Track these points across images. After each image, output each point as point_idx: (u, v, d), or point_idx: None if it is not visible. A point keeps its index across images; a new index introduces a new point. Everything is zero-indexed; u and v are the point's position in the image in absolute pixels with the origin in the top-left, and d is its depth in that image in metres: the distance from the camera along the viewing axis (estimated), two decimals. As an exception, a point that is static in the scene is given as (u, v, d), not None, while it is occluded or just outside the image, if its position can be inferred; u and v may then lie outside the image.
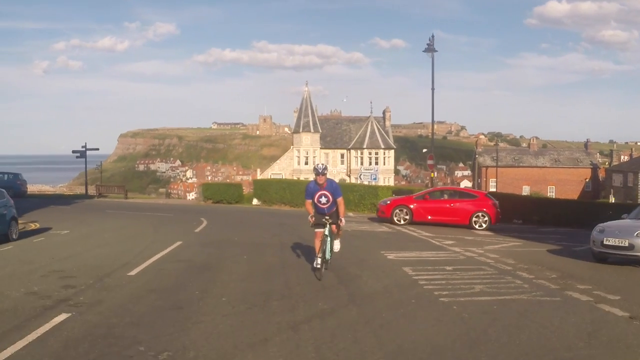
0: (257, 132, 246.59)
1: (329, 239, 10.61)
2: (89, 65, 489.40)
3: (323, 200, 10.63)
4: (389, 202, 24.27)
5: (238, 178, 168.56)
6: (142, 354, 5.95)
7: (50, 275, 10.49)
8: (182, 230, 19.26)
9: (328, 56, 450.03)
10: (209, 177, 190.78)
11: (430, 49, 27.91)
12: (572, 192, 63.70)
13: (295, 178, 54.81)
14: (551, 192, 65.12)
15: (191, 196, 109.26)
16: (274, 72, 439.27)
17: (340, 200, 10.76)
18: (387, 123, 69.56)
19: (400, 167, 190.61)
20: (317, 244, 10.60)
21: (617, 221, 14.32)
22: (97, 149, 47.80)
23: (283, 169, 67.19)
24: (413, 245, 16.40)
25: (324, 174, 10.62)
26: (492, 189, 61.69)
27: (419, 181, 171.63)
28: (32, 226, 21.17)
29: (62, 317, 7.42)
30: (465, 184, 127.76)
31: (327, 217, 10.59)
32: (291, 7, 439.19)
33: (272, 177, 61.13)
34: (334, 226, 10.73)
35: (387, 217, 23.53)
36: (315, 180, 10.75)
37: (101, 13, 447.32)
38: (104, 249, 14.58)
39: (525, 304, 8.66)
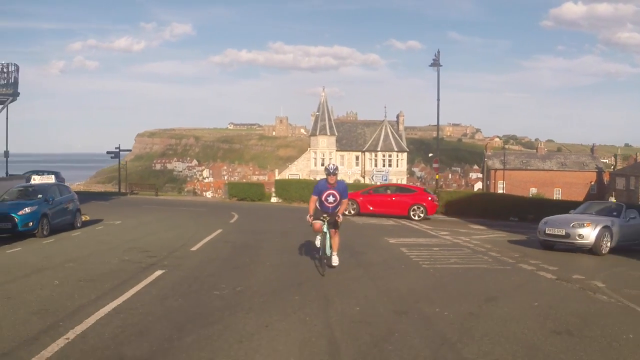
0: (274, 133, 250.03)
1: (327, 235, 11.18)
2: (105, 66, 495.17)
3: (331, 199, 11.20)
4: None
5: (254, 178, 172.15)
6: (224, 289, 9.43)
7: (131, 251, 13.98)
8: (219, 221, 22.79)
9: (344, 57, 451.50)
10: (225, 177, 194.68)
11: (435, 63, 31.21)
12: (578, 195, 66.55)
13: (312, 178, 58.28)
14: (557, 195, 68.04)
15: (208, 195, 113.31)
16: (290, 73, 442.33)
17: (345, 201, 11.40)
18: (401, 127, 72.76)
19: (415, 169, 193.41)
20: (317, 228, 11.23)
21: (560, 215, 17.43)
22: (130, 150, 51.46)
23: (300, 169, 70.71)
24: (413, 234, 19.88)
25: (335, 174, 11.13)
26: (501, 191, 64.86)
27: (433, 182, 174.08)
28: (85, 217, 24.67)
29: (159, 272, 10.91)
30: (479, 185, 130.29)
31: (324, 216, 11.12)
32: (307, 8, 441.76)
33: (289, 177, 64.57)
34: (332, 230, 11.33)
35: None
36: (326, 179, 11.24)
37: (117, 13, 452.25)
38: (160, 234, 18.13)
39: (483, 270, 12.09)
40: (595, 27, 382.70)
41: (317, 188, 11.36)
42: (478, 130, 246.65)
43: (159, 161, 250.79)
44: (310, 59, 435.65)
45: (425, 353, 6.31)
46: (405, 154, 70.39)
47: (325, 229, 11.12)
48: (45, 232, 17.64)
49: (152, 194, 49.20)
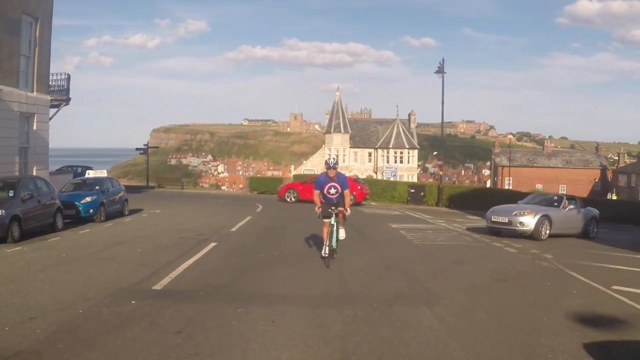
0: (288, 129, 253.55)
1: (335, 227, 11.77)
2: (120, 62, 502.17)
3: (332, 191, 11.75)
4: (283, 186, 35.15)
5: (269, 173, 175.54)
6: (265, 253, 12.95)
7: (183, 231, 17.49)
8: (247, 210, 26.29)
9: (358, 54, 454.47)
10: (240, 172, 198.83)
11: (440, 71, 34.49)
12: (583, 191, 69.39)
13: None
14: (562, 191, 71.00)
15: (223, 189, 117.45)
16: (304, 69, 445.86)
17: (347, 192, 11.89)
18: (412, 125, 76.11)
19: (428, 165, 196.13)
20: (325, 233, 11.86)
21: (505, 205, 20.06)
22: (157, 147, 55.39)
23: (315, 165, 74.21)
24: (413, 221, 23.40)
25: (335, 168, 11.70)
26: (508, 187, 67.98)
27: (447, 179, 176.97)
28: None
29: (213, 244, 14.45)
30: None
31: (333, 208, 11.72)
32: (321, 4, 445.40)
33: (304, 172, 68.09)
34: (340, 215, 11.86)
35: (281, 197, 34.03)
36: (326, 173, 11.88)
37: (132, 10, 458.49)
38: (200, 220, 21.65)
39: (462, 246, 15.59)
40: (610, 24, 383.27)
41: (319, 182, 12.01)
42: (492, 127, 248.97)
43: (174, 156, 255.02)
44: (324, 55, 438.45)
45: (402, 285, 9.84)
46: (416, 150, 73.67)
47: (333, 222, 11.74)
48: (102, 218, 21.17)
49: (178, 188, 52.94)
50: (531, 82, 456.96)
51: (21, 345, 6.19)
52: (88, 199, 20.92)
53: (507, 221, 18.09)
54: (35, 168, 24.99)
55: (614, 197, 61.57)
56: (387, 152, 72.15)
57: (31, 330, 6.74)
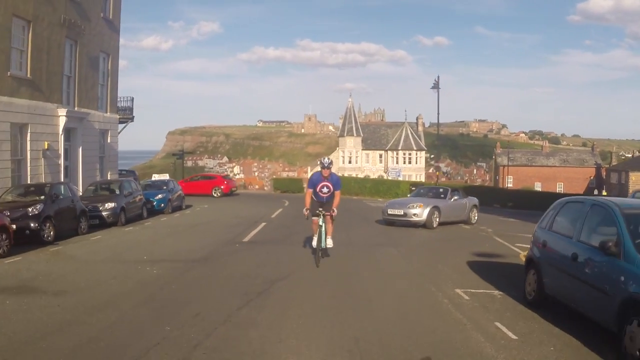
0: (302, 130, 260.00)
1: (323, 228, 12.52)
2: (133, 64, 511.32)
3: (325, 190, 12.45)
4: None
5: (284, 174, 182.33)
6: (298, 227, 19.98)
7: (237, 218, 24.60)
8: (277, 205, 33.32)
9: (371, 54, 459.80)
10: (256, 173, 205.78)
11: (435, 86, 41.36)
12: (579, 188, 75.88)
13: (340, 174, 68.98)
14: (560, 188, 77.50)
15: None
16: (317, 70, 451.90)
17: (337, 193, 12.62)
18: (420, 128, 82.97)
19: (441, 164, 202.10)
20: (314, 227, 12.82)
21: (399, 199, 24.70)
22: (192, 153, 62.37)
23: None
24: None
25: (329, 168, 12.38)
26: (509, 185, 74.65)
27: (459, 177, 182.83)
28: (176, 204, 35.23)
29: (263, 223, 21.68)
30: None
31: (320, 209, 12.42)
32: (333, 4, 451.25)
33: (320, 173, 75.17)
34: (328, 217, 12.60)
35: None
36: (320, 172, 12.56)
37: (145, 13, 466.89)
38: (244, 211, 28.73)
39: (407, 230, 22.57)
40: (623, 21, 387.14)
41: (312, 181, 12.75)
42: (504, 126, 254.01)
43: (190, 158, 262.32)
44: (337, 55, 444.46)
45: (384, 240, 16.93)
46: (424, 152, 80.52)
47: (321, 222, 12.49)
48: (170, 211, 28.29)
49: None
50: (544, 80, 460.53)
51: (195, 258, 13.34)
52: (160, 196, 28.09)
53: (402, 213, 20.71)
54: (109, 172, 32.19)
55: (604, 193, 67.88)
56: (397, 154, 79.09)
57: (192, 255, 13.89)
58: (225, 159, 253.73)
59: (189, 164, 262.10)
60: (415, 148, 78.68)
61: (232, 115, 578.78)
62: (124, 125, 35.06)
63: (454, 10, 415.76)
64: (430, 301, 9.38)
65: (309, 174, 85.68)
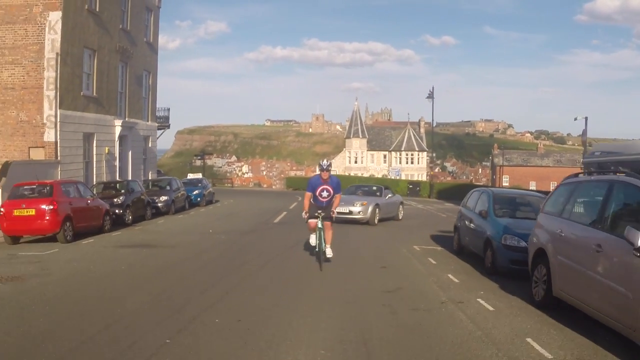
0: (310, 130, 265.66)
1: (322, 232, 12.27)
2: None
3: (325, 194, 12.19)
4: None
5: (292, 173, 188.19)
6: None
7: (263, 209, 31.12)
8: (291, 200, 39.73)
9: (379, 53, 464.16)
10: (264, 172, 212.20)
11: (430, 96, 47.52)
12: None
13: (346, 174, 75.50)
14: (553, 187, 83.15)
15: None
16: (325, 69, 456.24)
17: (338, 196, 12.40)
18: (422, 130, 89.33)
19: (447, 164, 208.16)
20: (312, 226, 12.61)
21: (345, 195, 29.76)
22: (210, 154, 68.97)
23: (337, 166, 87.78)
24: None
25: (328, 170, 12.09)
26: (505, 184, 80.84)
27: (464, 177, 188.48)
28: (204, 199, 41.71)
29: (285, 212, 28.30)
30: (506, 179, 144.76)
31: (319, 212, 12.15)
32: (341, 4, 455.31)
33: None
34: (327, 223, 12.33)
35: None
36: (319, 175, 12.27)
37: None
38: (266, 204, 35.18)
39: (422, 215, 28.95)
40: (630, 21, 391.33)
41: (311, 185, 12.42)
42: (510, 126, 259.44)
43: (199, 157, 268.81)
44: (345, 55, 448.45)
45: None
46: (425, 153, 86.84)
47: (320, 225, 12.12)
48: (204, 204, 34.69)
49: (228, 186, 66.98)
50: (551, 80, 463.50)
51: (244, 231, 19.84)
52: (196, 191, 34.49)
53: (348, 211, 21.29)
54: (150, 173, 38.65)
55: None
56: (400, 154, 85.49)
57: (242, 230, 20.37)
58: (234, 158, 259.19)
59: (198, 163, 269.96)
60: (417, 149, 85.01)
61: (240, 114, 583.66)
62: (161, 131, 41.56)
63: (462, 10, 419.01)
64: (395, 251, 15.78)
65: (317, 173, 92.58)
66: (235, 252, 15.15)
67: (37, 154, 26.33)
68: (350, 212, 21.22)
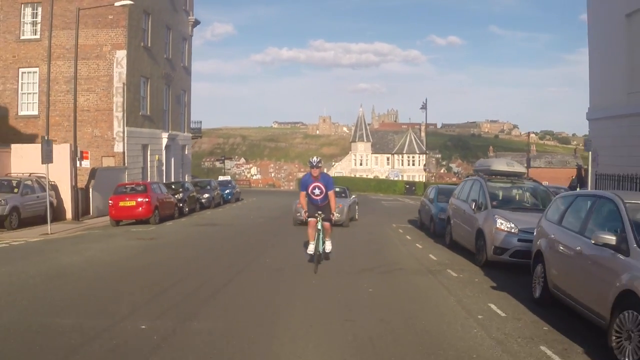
0: (317, 132, 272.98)
1: (321, 233, 12.45)
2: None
3: (317, 191, 12.26)
4: None
5: (300, 175, 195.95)
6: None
7: (280, 204, 39.44)
8: (304, 197, 48.15)
9: (385, 54, 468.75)
10: (273, 174, 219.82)
11: (424, 106, 55.76)
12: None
13: (352, 175, 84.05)
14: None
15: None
16: (331, 70, 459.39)
17: (331, 193, 12.38)
18: (422, 134, 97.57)
19: (452, 165, 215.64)
20: (310, 232, 12.55)
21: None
22: (230, 158, 77.37)
23: (343, 168, 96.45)
24: (394, 201, 45.32)
25: (318, 167, 12.08)
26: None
27: (468, 177, 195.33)
28: (229, 198, 50.16)
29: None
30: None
31: (319, 212, 12.27)
32: (346, 5, 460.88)
33: (335, 174, 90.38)
34: (326, 224, 12.46)
35: None
36: (310, 173, 12.30)
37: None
38: (283, 201, 43.35)
39: (408, 207, 37.40)
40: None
41: (303, 183, 12.64)
42: (515, 127, 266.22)
43: (207, 159, 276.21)
44: (351, 55, 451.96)
45: (371, 209, 31.86)
46: (425, 155, 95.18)
47: (319, 226, 12.34)
48: (234, 201, 43.07)
49: (246, 187, 75.53)
50: (557, 79, 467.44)
51: (274, 216, 28.38)
52: (228, 191, 42.90)
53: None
54: (186, 176, 47.14)
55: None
56: (402, 157, 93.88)
57: (273, 216, 28.87)
58: (242, 160, 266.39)
59: (207, 165, 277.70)
60: (418, 152, 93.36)
61: (247, 116, 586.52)
62: (194, 140, 50.11)
63: (468, 10, 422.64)
64: (382, 228, 24.17)
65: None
66: (274, 227, 23.67)
67: (108, 162, 34.78)
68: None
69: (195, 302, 9.61)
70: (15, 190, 24.23)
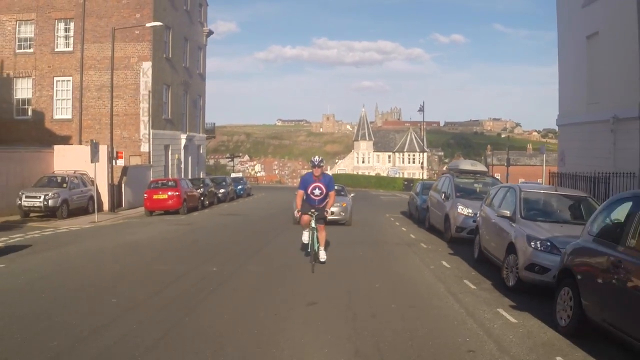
0: (321, 130, 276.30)
1: (316, 232, 12.36)
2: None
3: (317, 192, 12.19)
4: None
5: (303, 172, 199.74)
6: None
7: (289, 198, 43.97)
8: (310, 193, 52.78)
9: (388, 52, 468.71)
10: (277, 171, 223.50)
11: (421, 109, 60.13)
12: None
13: (355, 173, 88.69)
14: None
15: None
16: (335, 68, 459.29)
17: (332, 193, 12.35)
18: (422, 133, 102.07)
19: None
20: (305, 218, 12.42)
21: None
22: (239, 156, 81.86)
23: (346, 165, 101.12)
24: (392, 196, 49.94)
25: (320, 167, 12.07)
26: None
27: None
28: (240, 194, 54.80)
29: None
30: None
31: (313, 210, 12.16)
32: (349, 3, 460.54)
33: (338, 172, 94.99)
34: (321, 228, 12.41)
35: None
36: (311, 172, 12.32)
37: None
38: (290, 196, 48.09)
39: (399, 198, 42.15)
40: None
41: (303, 182, 12.52)
42: (517, 125, 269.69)
43: (212, 157, 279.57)
44: (354, 54, 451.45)
45: (367, 202, 36.53)
46: (425, 153, 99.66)
47: (313, 224, 12.24)
48: (245, 196, 47.70)
49: (254, 183, 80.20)
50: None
51: (285, 208, 32.92)
52: (240, 186, 47.55)
53: (330, 212, 20.32)
54: (201, 173, 51.80)
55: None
56: (403, 155, 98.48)
57: (284, 207, 33.43)
58: (247, 157, 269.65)
59: (211, 162, 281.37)
60: (418, 150, 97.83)
61: (251, 114, 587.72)
62: (208, 140, 54.83)
63: (471, 8, 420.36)
64: (377, 217, 28.79)
65: (329, 172, 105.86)
66: (286, 217, 28.13)
67: (135, 160, 39.43)
68: (332, 213, 21.07)
69: (245, 256, 14.50)
70: (64, 185, 28.70)
